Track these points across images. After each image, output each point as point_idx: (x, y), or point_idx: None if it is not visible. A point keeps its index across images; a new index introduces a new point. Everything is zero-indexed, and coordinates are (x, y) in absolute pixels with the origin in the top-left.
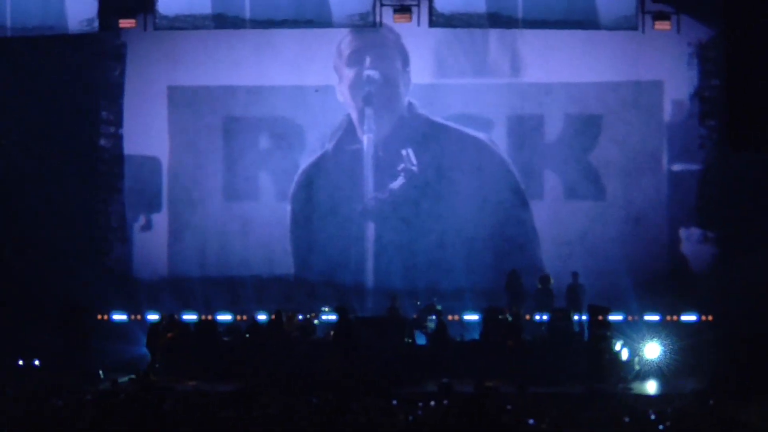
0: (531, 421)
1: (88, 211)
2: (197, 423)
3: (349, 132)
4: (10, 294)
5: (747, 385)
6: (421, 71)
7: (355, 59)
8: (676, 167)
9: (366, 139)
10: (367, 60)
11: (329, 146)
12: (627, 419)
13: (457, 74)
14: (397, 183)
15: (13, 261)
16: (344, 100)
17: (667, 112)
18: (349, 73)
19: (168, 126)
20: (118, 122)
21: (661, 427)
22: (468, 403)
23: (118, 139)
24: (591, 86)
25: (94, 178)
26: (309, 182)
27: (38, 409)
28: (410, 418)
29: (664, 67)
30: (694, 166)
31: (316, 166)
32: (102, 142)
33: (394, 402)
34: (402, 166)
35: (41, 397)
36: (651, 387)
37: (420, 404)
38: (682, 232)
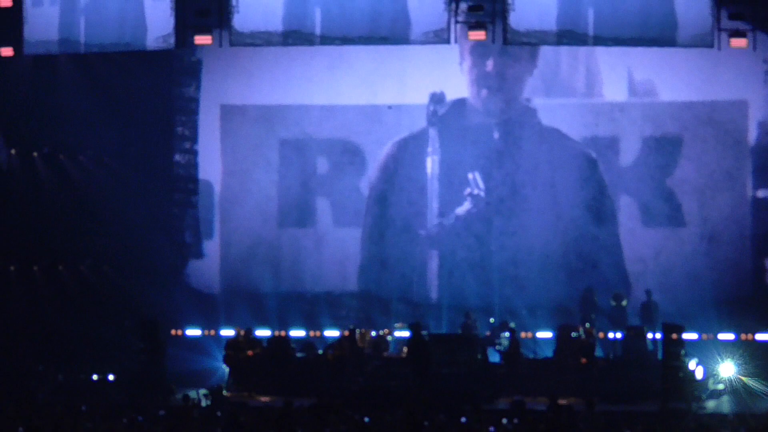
0: None
1: (163, 227)
2: None
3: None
4: (86, 309)
5: None
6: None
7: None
8: (753, 185)
9: (430, 162)
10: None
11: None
12: None
13: (528, 93)
14: (464, 209)
15: (90, 276)
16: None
17: (750, 133)
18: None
19: (241, 143)
20: (194, 138)
21: None
22: (540, 420)
23: (193, 155)
24: (667, 105)
25: (170, 194)
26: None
27: (113, 424)
28: None
29: (741, 86)
30: None
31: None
32: (177, 157)
33: (464, 420)
34: (468, 190)
35: (116, 412)
36: (725, 406)
37: (493, 422)
38: (758, 251)
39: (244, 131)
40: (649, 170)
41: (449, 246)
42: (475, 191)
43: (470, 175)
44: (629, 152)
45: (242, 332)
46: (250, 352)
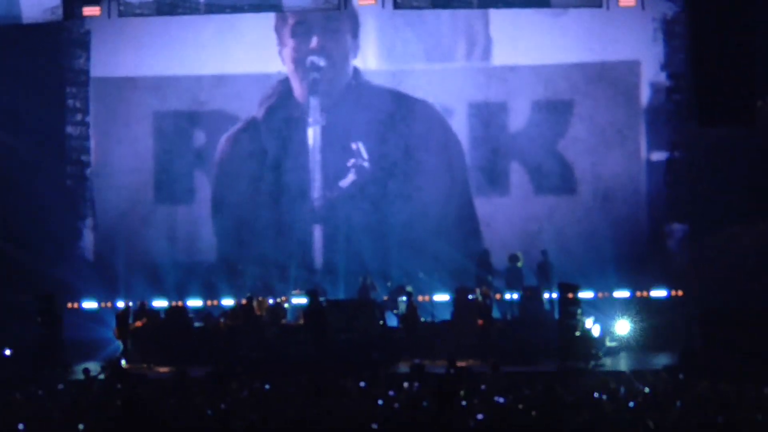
0: (502, 400)
1: (57, 199)
2: (171, 408)
3: (285, 97)
4: None
5: (717, 361)
6: (374, 56)
7: (300, 30)
8: (647, 144)
9: (311, 132)
10: (313, 41)
11: (259, 113)
12: (599, 396)
13: (411, 59)
14: (348, 180)
15: None
16: (284, 66)
17: (642, 92)
18: (291, 44)
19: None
20: (85, 110)
21: (632, 403)
22: (440, 383)
23: (85, 126)
24: (557, 68)
25: (63, 166)
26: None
27: (11, 398)
28: (380, 401)
29: (631, 45)
30: (663, 143)
31: (245, 133)
32: (69, 129)
33: (364, 384)
34: (352, 161)
35: (14, 386)
36: (622, 363)
37: (392, 387)
38: (652, 209)
39: (134, 102)
40: (541, 133)
41: (343, 212)
42: (360, 162)
43: (354, 146)
44: (520, 116)
45: (129, 304)
46: (138, 323)
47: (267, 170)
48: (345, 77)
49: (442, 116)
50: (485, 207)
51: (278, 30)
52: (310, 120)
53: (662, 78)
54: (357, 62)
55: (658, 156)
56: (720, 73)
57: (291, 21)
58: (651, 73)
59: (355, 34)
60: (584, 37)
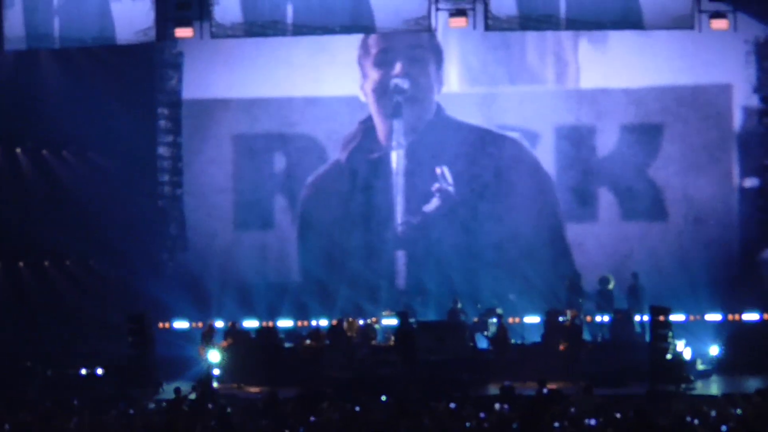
0: (593, 422)
1: (149, 219)
2: (262, 429)
3: (368, 138)
4: (73, 304)
5: None
6: (459, 80)
7: (384, 60)
8: (739, 168)
9: (395, 156)
10: (397, 65)
11: (342, 156)
12: (691, 420)
13: (498, 82)
14: (432, 206)
15: (76, 271)
16: (366, 101)
17: (735, 117)
18: (375, 75)
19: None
20: (177, 131)
21: (724, 428)
22: (530, 405)
23: (178, 148)
24: (648, 91)
25: (155, 186)
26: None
27: (103, 417)
28: (467, 424)
29: (724, 68)
30: (756, 168)
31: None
32: (161, 150)
33: (453, 406)
34: (437, 185)
35: (106, 405)
36: (714, 387)
37: (482, 408)
38: (744, 233)
39: (226, 123)
40: (632, 156)
41: (434, 233)
42: (445, 186)
43: (438, 170)
44: (609, 140)
45: (214, 322)
46: (224, 343)
47: (356, 193)
48: (428, 110)
49: (528, 149)
50: (575, 230)
51: (361, 61)
52: (394, 144)
53: (755, 101)
54: (444, 88)
55: (751, 181)
56: None
57: (374, 50)
58: (743, 96)
59: (439, 65)
60: (676, 60)
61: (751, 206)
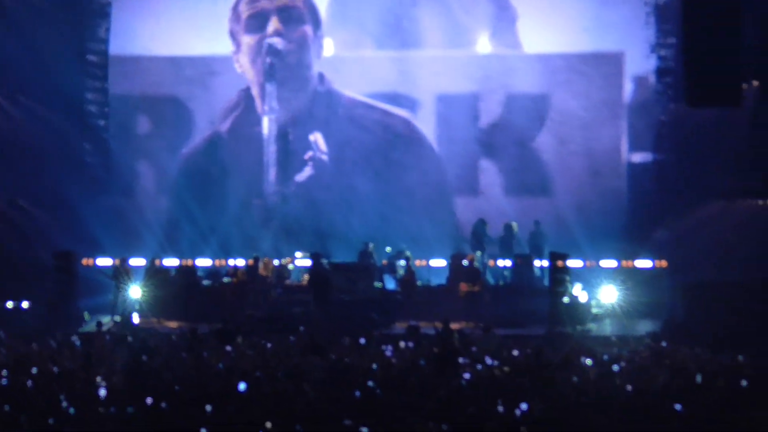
0: (491, 362)
1: (76, 162)
2: (181, 362)
3: (249, 110)
4: (3, 240)
5: (697, 329)
6: (332, 41)
7: (256, 24)
8: (635, 121)
9: (267, 121)
10: (270, 25)
11: (223, 127)
12: (586, 360)
13: (377, 45)
14: (304, 175)
15: (7, 209)
16: (243, 72)
17: (628, 70)
18: (248, 41)
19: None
20: (104, 77)
21: (616, 367)
22: (434, 343)
23: (104, 93)
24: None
25: (83, 131)
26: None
27: (29, 349)
28: (374, 366)
29: (622, 29)
30: (653, 121)
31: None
32: (89, 95)
33: (363, 342)
34: (310, 153)
35: (31, 338)
36: (607, 329)
37: (389, 345)
38: (638, 176)
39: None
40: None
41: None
42: (318, 154)
43: (311, 137)
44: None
45: (117, 261)
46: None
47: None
48: (306, 74)
49: (411, 120)
50: (483, 175)
51: (233, 32)
52: (266, 108)
53: (653, 60)
54: (323, 52)
55: (646, 133)
56: (708, 56)
57: (245, 16)
58: (642, 54)
59: (316, 26)
60: (572, 26)
61: (647, 159)
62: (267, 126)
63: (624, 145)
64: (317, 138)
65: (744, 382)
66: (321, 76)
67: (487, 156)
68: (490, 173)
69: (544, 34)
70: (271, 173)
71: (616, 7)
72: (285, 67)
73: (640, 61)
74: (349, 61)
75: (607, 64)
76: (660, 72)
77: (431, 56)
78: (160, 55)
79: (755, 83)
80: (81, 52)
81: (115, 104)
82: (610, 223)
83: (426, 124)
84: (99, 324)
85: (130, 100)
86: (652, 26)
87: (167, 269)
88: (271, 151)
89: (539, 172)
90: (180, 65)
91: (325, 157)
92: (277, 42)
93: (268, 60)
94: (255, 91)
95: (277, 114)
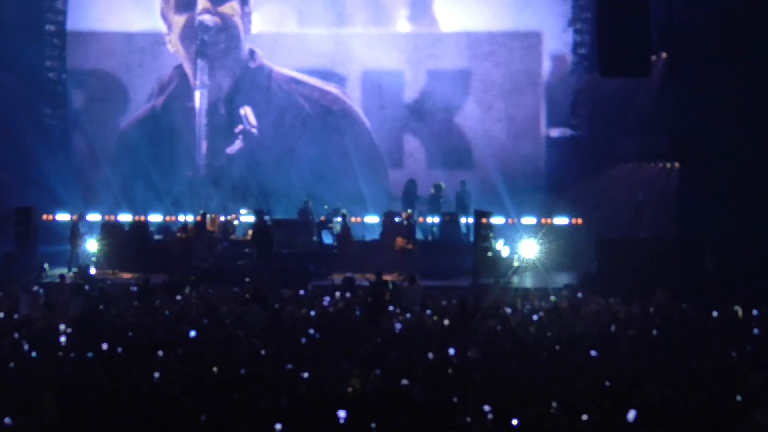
0: (417, 309)
1: (36, 121)
2: (135, 309)
3: (182, 87)
4: None
5: (610, 281)
6: (262, 18)
7: (184, 3)
8: (553, 89)
9: (198, 95)
10: (199, 3)
11: (158, 102)
12: (507, 309)
13: (305, 22)
14: (235, 147)
15: None
16: (176, 51)
17: (545, 45)
18: (179, 20)
19: None
20: (62, 46)
21: (535, 317)
22: (367, 293)
23: (63, 61)
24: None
25: (41, 91)
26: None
27: None
28: (313, 312)
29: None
30: (568, 89)
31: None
32: (48, 63)
33: (303, 292)
34: (240, 127)
35: None
36: (528, 281)
37: (327, 295)
38: (555, 147)
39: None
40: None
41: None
42: (248, 128)
43: (241, 111)
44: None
45: (74, 217)
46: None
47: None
48: (235, 48)
49: (342, 96)
50: (410, 140)
51: (164, 14)
52: (197, 83)
53: (569, 34)
54: (252, 28)
55: (563, 100)
56: (620, 29)
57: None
58: (559, 28)
59: (244, 1)
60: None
61: (563, 126)
62: (199, 100)
63: (542, 112)
64: (247, 112)
65: (654, 331)
66: (252, 52)
67: (414, 129)
68: (415, 146)
69: (467, 12)
70: (203, 146)
71: None
72: (216, 43)
73: (557, 35)
74: (278, 38)
75: (527, 40)
76: (576, 45)
77: (356, 33)
78: (114, 31)
79: (664, 55)
80: (40, 23)
81: (72, 72)
82: (530, 184)
83: (354, 101)
84: (62, 276)
85: (85, 70)
86: (569, 2)
87: (122, 224)
88: (202, 124)
89: (463, 143)
90: (132, 39)
91: (254, 131)
92: (208, 19)
93: (199, 36)
94: (188, 68)
95: (208, 89)
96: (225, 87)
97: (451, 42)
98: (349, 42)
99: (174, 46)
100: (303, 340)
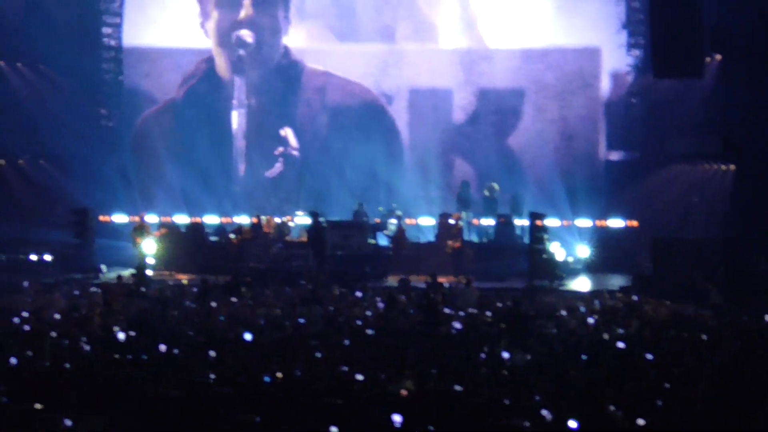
0: (475, 311)
1: (92, 126)
2: (191, 311)
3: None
4: (27, 198)
5: (665, 284)
6: (303, 34)
7: (226, 1)
8: (607, 91)
9: (236, 116)
10: (243, 10)
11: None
12: (563, 312)
13: (351, 38)
14: (275, 171)
15: (29, 169)
16: (209, 38)
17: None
18: (216, 14)
19: None
20: (119, 48)
21: (591, 319)
22: (423, 296)
23: (119, 63)
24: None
25: (97, 95)
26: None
27: (51, 297)
28: (369, 313)
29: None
30: (622, 91)
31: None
32: (105, 65)
33: (359, 294)
34: (280, 149)
35: (53, 288)
36: (583, 284)
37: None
38: (612, 149)
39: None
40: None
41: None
42: (290, 151)
43: (282, 132)
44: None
45: (136, 218)
46: (157, 233)
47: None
48: (275, 56)
49: (386, 112)
50: (464, 142)
51: (202, 2)
52: (235, 103)
53: (623, 35)
54: (294, 43)
55: (617, 103)
56: (674, 30)
57: None
58: (613, 30)
59: (286, 9)
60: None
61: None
62: (236, 120)
63: (600, 114)
64: (287, 133)
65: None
66: (287, 50)
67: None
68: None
69: (523, 29)
70: (241, 168)
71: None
72: (254, 60)
73: (611, 37)
74: (322, 54)
75: (584, 55)
76: (630, 46)
77: (401, 50)
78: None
79: (718, 57)
80: (97, 30)
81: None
82: (585, 185)
83: (400, 118)
84: (119, 277)
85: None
86: (623, 4)
87: (178, 226)
88: (240, 146)
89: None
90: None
91: (296, 153)
92: (247, 35)
93: (238, 52)
94: (219, 63)
95: (246, 108)
96: (263, 99)
97: (503, 58)
98: (395, 58)
99: (209, 35)
100: (358, 342)
